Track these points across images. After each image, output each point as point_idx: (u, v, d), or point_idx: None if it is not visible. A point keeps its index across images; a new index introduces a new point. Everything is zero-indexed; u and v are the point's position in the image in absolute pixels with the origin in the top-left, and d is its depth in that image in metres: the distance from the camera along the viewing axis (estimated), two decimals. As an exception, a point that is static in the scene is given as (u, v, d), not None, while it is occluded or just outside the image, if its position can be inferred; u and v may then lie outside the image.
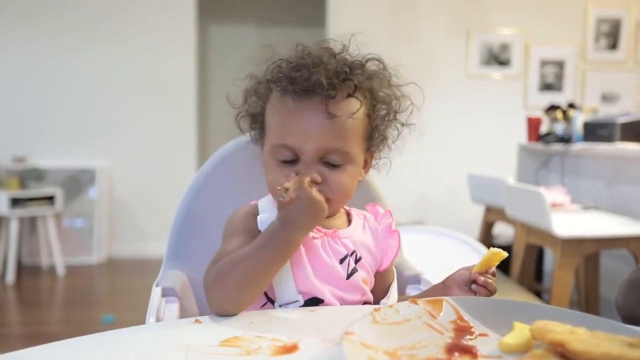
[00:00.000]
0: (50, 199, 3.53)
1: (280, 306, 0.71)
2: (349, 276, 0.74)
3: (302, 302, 0.70)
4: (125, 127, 4.00)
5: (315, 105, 0.70)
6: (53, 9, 3.87)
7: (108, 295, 3.30)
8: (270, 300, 0.72)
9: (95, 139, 3.97)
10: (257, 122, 0.78)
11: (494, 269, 0.71)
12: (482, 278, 0.70)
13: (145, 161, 4.02)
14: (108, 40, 3.93)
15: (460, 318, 0.60)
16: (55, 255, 3.50)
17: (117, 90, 3.97)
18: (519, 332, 0.55)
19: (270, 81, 0.74)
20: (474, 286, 0.70)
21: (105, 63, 3.94)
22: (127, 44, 3.95)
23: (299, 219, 0.65)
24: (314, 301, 0.71)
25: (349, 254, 0.75)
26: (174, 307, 0.78)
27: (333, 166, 0.72)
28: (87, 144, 3.96)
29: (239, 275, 0.64)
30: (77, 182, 3.85)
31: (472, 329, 0.58)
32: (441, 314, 0.61)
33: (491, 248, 0.70)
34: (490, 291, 0.70)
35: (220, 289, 0.64)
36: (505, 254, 0.69)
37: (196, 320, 0.61)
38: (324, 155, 0.71)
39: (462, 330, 0.58)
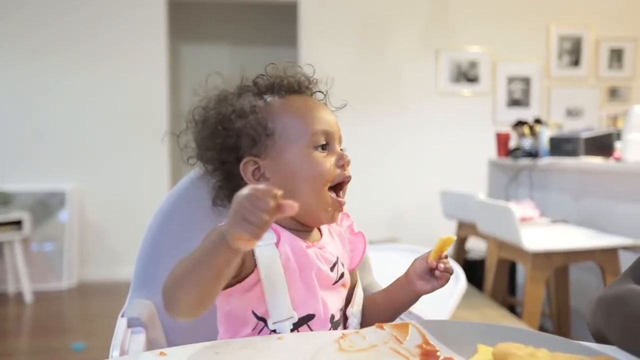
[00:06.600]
0: (17, 223, 3.44)
1: (274, 323, 0.71)
2: (336, 282, 0.77)
3: (296, 319, 0.71)
4: (95, 149, 3.93)
5: (318, 101, 0.80)
6: (21, 35, 3.82)
7: (79, 321, 3.21)
8: (263, 320, 0.72)
9: (64, 161, 3.89)
10: (261, 135, 0.75)
11: (445, 252, 0.77)
12: (441, 265, 0.75)
13: (117, 183, 3.96)
14: (77, 63, 3.88)
15: (426, 342, 0.61)
16: (23, 281, 3.39)
17: (87, 111, 3.92)
18: (483, 356, 0.55)
19: (263, 92, 0.79)
20: (437, 273, 0.75)
21: (75, 85, 3.89)
22: (97, 66, 3.90)
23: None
24: (306, 318, 0.73)
25: (336, 261, 0.78)
26: (140, 338, 0.76)
27: None
28: (57, 166, 3.88)
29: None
30: (46, 206, 3.76)
31: (438, 353, 0.59)
32: (407, 338, 0.61)
33: (441, 236, 0.75)
34: (450, 274, 0.76)
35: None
36: (454, 238, 0.75)
37: (160, 353, 0.60)
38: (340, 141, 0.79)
39: (427, 354, 0.59)
